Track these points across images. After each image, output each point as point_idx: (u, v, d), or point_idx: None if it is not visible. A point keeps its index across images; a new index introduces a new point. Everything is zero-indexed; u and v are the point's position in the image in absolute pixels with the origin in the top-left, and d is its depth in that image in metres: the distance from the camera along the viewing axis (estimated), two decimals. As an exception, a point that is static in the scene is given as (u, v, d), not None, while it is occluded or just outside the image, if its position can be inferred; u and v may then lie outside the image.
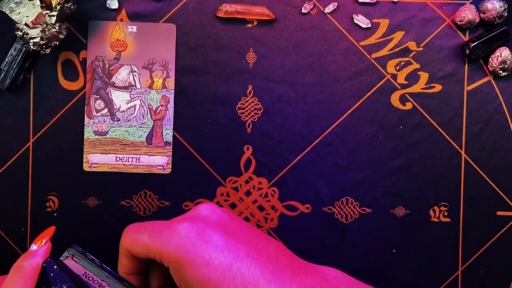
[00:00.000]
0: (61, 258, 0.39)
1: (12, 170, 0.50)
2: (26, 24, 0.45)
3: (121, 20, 0.49)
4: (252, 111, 0.50)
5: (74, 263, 0.39)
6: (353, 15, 0.50)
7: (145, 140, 0.50)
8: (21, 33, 0.46)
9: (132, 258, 0.38)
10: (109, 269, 0.40)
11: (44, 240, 0.38)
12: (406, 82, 0.50)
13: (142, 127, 0.50)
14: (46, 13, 0.45)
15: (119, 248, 0.39)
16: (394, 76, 0.50)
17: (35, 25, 0.45)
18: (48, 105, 0.50)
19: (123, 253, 0.38)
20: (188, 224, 0.35)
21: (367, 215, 0.50)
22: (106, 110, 0.50)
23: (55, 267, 0.37)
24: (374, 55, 0.50)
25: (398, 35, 0.50)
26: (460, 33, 0.50)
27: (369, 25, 0.49)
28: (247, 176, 0.50)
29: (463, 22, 0.49)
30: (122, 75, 0.50)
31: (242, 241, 0.34)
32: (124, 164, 0.50)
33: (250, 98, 0.50)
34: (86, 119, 0.50)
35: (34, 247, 0.37)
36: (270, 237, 0.37)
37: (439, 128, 0.50)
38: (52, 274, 0.36)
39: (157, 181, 0.50)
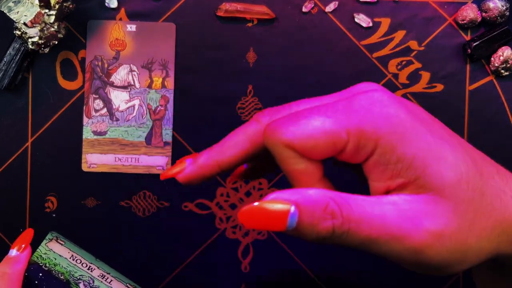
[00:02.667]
0: (44, 241, 0.38)
1: (10, 171, 0.50)
2: (24, 23, 0.45)
3: (120, 19, 0.49)
4: (252, 111, 0.50)
5: (59, 245, 0.38)
6: (354, 14, 0.49)
7: (144, 140, 0.49)
8: (19, 32, 0.45)
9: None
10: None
11: (23, 245, 0.37)
12: (407, 82, 0.50)
13: (141, 127, 0.49)
14: (45, 12, 0.45)
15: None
16: (396, 76, 0.50)
17: (34, 24, 0.45)
18: (47, 105, 0.49)
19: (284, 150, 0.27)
20: (392, 98, 0.27)
21: (368, 216, 0.50)
22: (105, 110, 0.49)
23: (40, 274, 0.36)
24: (375, 55, 0.49)
25: (400, 35, 0.49)
26: (461, 33, 0.49)
27: (370, 24, 0.49)
28: (247, 177, 0.50)
29: (464, 21, 0.49)
30: (121, 75, 0.49)
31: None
32: (123, 165, 0.49)
33: (250, 98, 0.50)
34: (85, 119, 0.49)
35: (13, 252, 0.37)
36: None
37: (441, 128, 0.50)
38: (37, 282, 0.36)
39: (156, 182, 0.49)
